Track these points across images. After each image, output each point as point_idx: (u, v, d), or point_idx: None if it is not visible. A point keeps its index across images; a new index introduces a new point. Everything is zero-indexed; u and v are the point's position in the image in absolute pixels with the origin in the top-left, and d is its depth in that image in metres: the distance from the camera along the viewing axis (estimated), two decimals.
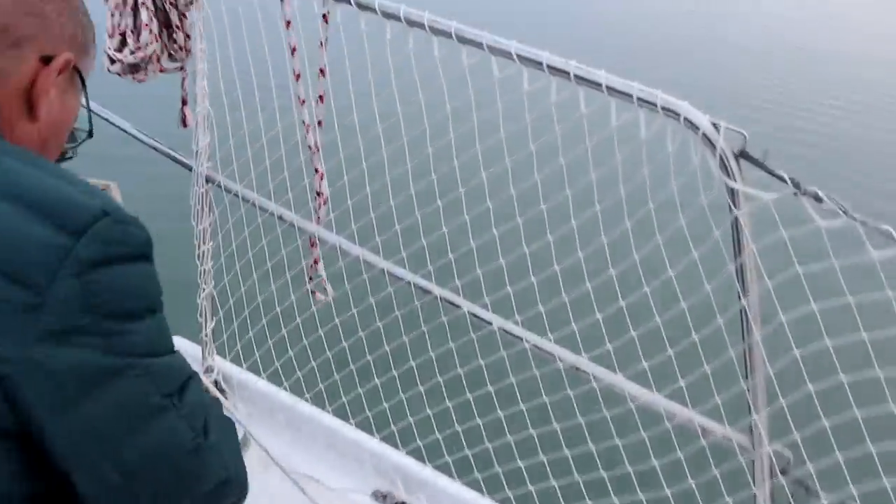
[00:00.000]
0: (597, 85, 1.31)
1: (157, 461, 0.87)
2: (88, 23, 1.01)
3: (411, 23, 1.52)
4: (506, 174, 1.45)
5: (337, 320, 1.87)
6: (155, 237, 0.86)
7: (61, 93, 0.96)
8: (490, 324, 1.56)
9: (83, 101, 1.02)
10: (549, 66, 1.36)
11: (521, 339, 1.50)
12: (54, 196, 0.81)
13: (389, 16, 1.54)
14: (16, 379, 0.77)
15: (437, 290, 1.61)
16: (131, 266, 0.85)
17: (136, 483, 0.86)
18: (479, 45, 1.43)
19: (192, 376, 0.95)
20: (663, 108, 1.25)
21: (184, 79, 2.11)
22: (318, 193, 2.02)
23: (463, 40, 1.46)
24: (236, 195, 1.94)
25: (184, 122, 2.21)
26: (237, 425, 1.93)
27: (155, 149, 2.20)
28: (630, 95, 1.27)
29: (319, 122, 1.93)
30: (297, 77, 1.90)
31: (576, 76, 1.33)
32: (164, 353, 0.89)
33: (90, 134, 1.08)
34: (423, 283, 1.63)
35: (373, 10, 1.55)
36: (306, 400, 1.99)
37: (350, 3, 1.58)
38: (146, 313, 0.87)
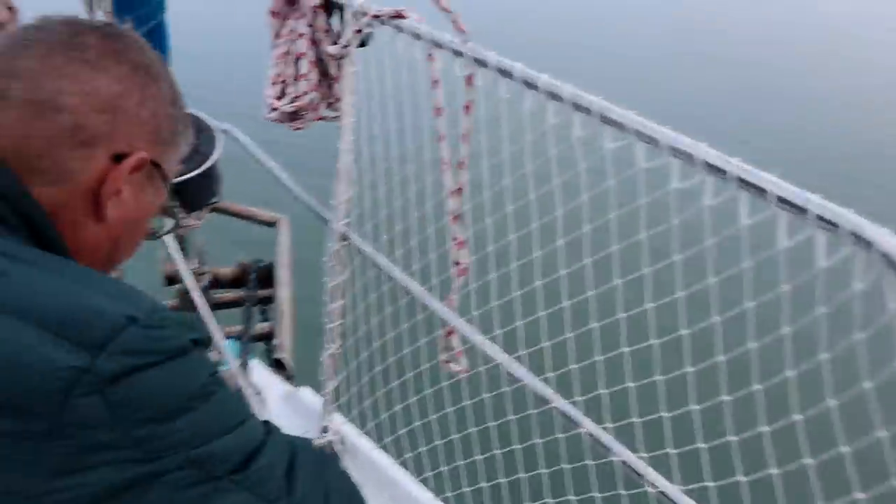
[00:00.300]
0: (761, 191, 1.04)
1: None
2: (178, 112, 0.94)
3: (552, 95, 1.33)
4: (641, 283, 1.21)
5: (449, 409, 1.71)
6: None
7: (137, 190, 0.91)
8: (611, 451, 1.32)
9: (165, 193, 0.96)
10: (705, 163, 1.11)
11: (645, 482, 1.25)
12: (73, 307, 0.74)
13: (530, 85, 1.37)
14: None
15: (557, 402, 1.40)
16: (162, 368, 0.77)
17: None
18: (621, 127, 1.21)
19: (265, 440, 0.86)
20: (852, 234, 0.95)
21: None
22: (456, 263, 1.88)
23: (607, 121, 1.25)
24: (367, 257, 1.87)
25: None
26: None
27: (298, 197, 2.20)
28: (805, 210, 0.99)
29: (459, 189, 1.80)
30: (441, 139, 1.79)
31: (739, 178, 1.07)
32: (220, 434, 0.80)
33: (177, 225, 1.02)
34: (542, 389, 1.42)
35: (510, 76, 1.39)
36: (416, 480, 1.86)
37: (486, 67, 1.43)
38: (190, 405, 0.78)
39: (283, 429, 2.24)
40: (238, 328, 2.78)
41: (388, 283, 1.83)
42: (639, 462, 1.27)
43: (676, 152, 1.14)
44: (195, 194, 1.84)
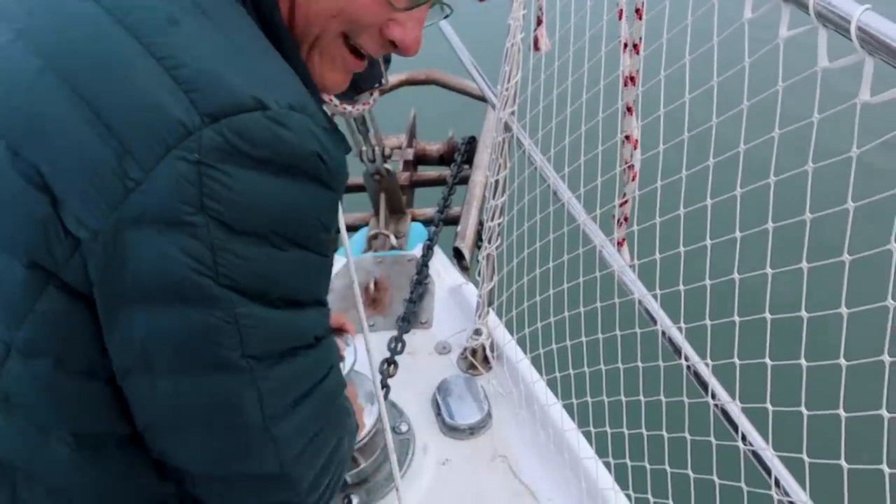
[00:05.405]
0: None
1: (200, 411, 0.74)
2: None
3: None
4: None
5: (601, 335, 1.48)
6: None
7: None
8: None
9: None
10: None
11: None
12: (212, 72, 0.68)
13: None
14: (89, 250, 0.67)
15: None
16: (273, 179, 0.68)
17: (179, 414, 0.74)
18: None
19: (313, 345, 0.77)
20: None
21: None
22: (627, 165, 1.58)
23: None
24: (525, 153, 1.64)
25: (535, 45, 1.94)
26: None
27: (473, 78, 1.98)
28: None
29: (633, 78, 1.47)
30: (620, 14, 1.45)
31: None
32: (278, 306, 0.72)
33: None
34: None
35: None
36: (559, 402, 1.70)
37: None
38: (275, 241, 0.70)
39: (442, 323, 2.13)
40: (432, 210, 2.73)
41: (542, 185, 1.60)
42: None
43: None
44: (358, 77, 1.72)
